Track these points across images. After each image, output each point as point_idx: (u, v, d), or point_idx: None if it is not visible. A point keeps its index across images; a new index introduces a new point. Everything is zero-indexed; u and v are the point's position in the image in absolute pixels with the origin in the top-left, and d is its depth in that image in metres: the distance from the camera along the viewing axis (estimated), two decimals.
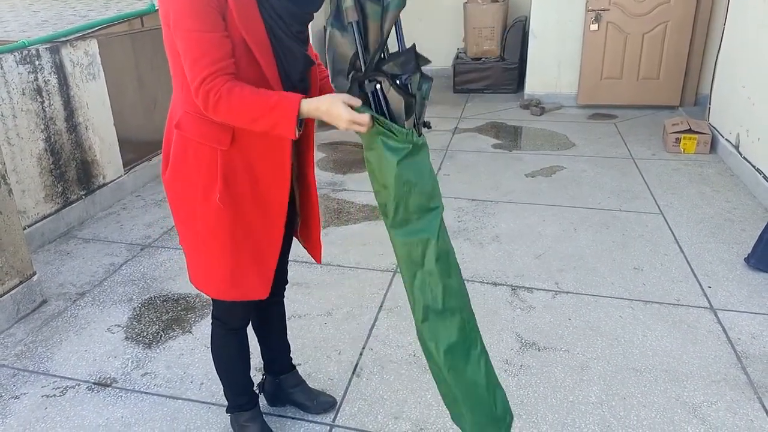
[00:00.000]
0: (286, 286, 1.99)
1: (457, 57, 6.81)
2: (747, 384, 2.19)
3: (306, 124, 1.59)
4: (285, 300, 2.02)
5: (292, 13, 1.41)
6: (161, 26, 1.43)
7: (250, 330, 1.89)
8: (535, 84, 6.15)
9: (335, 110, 1.33)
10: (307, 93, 1.52)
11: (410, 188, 1.36)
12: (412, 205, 1.38)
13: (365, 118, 1.32)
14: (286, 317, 2.07)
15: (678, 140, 4.58)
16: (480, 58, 6.60)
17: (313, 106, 1.36)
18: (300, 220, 1.80)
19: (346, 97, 1.34)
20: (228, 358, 1.86)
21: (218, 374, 1.91)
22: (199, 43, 1.33)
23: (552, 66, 6.03)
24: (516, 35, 6.39)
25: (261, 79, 1.42)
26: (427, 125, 1.41)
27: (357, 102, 1.34)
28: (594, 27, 5.62)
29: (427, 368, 2.31)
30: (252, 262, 1.61)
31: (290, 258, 1.92)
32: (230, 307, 1.73)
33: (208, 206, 1.53)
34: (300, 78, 1.51)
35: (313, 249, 1.83)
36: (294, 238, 1.86)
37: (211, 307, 1.80)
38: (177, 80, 1.48)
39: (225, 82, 1.35)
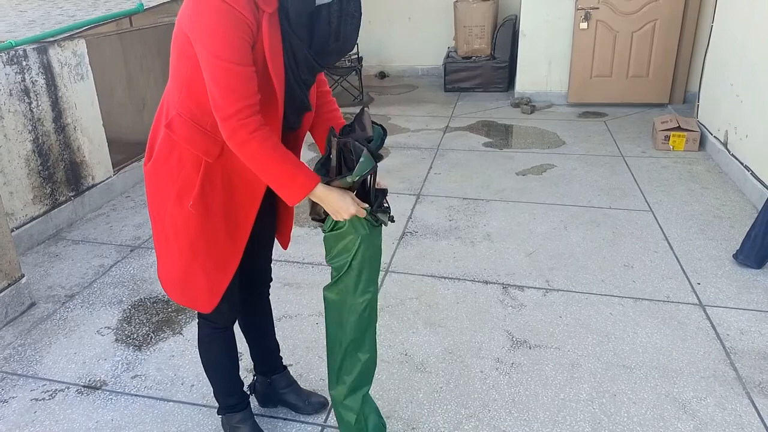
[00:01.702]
0: (273, 285, 1.99)
1: (447, 56, 6.82)
2: (736, 379, 2.21)
3: (297, 137, 1.64)
4: (276, 300, 2.02)
5: (309, 65, 1.46)
6: (174, 33, 1.43)
7: (238, 330, 1.89)
8: (525, 82, 6.17)
9: (343, 203, 1.49)
10: (297, 130, 1.62)
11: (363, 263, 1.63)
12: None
13: (363, 210, 1.54)
14: (278, 318, 2.07)
15: (667, 138, 4.60)
16: (470, 57, 6.61)
17: (323, 193, 1.49)
18: (278, 219, 1.83)
19: (353, 195, 1.52)
20: (216, 357, 1.86)
21: (207, 375, 1.91)
22: (232, 74, 1.34)
23: (542, 64, 6.05)
24: (506, 34, 6.41)
25: (273, 112, 1.47)
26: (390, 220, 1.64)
27: (363, 204, 1.53)
28: (583, 25, 5.64)
29: (419, 368, 2.32)
30: (204, 276, 1.62)
31: (282, 259, 1.92)
32: (217, 306, 1.73)
33: (179, 208, 1.54)
34: (294, 120, 1.57)
35: (283, 239, 1.87)
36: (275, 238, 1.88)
37: None
38: (177, 80, 1.47)
39: (258, 125, 1.39)
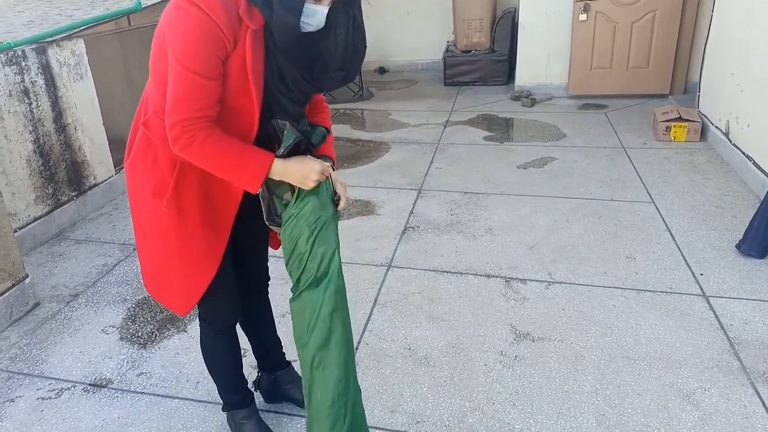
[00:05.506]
0: (276, 282, 1.99)
1: (447, 50, 6.80)
2: (740, 370, 2.21)
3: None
4: (279, 296, 2.03)
5: (302, 88, 1.46)
6: (155, 31, 1.41)
7: (240, 328, 1.89)
8: (525, 75, 6.15)
9: (306, 165, 1.47)
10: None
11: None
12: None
13: (328, 167, 1.53)
14: (281, 314, 2.07)
15: (668, 129, 4.59)
16: (470, 51, 6.59)
17: (282, 168, 1.46)
18: None
19: (309, 156, 1.52)
20: (218, 359, 1.86)
21: (210, 374, 1.91)
22: (192, 86, 1.32)
23: (542, 57, 6.03)
24: (505, 27, 6.39)
25: (247, 123, 1.45)
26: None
27: (324, 162, 1.52)
28: (583, 17, 5.62)
29: (423, 362, 2.32)
30: (177, 279, 1.60)
31: (284, 255, 1.91)
32: (215, 308, 1.74)
33: (154, 206, 1.53)
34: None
35: (273, 240, 1.85)
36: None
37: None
38: (155, 79, 1.45)
39: (203, 128, 1.36)
